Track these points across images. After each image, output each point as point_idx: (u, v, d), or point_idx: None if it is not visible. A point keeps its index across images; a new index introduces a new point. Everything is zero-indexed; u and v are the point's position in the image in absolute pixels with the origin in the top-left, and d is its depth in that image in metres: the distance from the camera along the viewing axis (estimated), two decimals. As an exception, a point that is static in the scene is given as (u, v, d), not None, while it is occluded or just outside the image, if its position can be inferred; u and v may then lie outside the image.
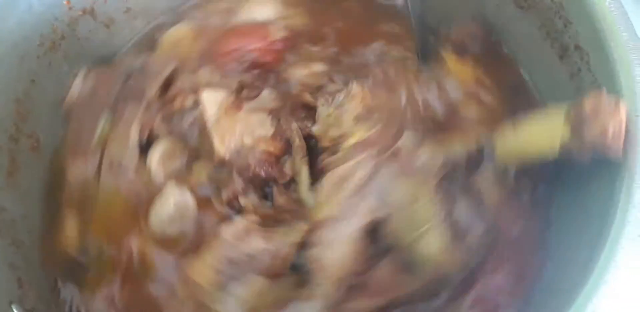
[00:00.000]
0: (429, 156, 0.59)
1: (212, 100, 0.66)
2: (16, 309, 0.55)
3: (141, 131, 0.65)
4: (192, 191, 0.62)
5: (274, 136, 0.66)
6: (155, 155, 0.64)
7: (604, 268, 0.50)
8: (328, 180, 0.60)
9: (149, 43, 0.75)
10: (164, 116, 0.66)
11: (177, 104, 0.67)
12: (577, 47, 0.61)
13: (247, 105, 0.67)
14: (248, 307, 0.57)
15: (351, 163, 0.59)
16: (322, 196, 0.59)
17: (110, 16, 0.74)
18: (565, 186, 0.65)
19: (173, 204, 0.61)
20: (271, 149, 0.65)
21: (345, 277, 0.56)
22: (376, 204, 0.57)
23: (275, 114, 0.68)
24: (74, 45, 0.71)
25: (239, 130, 0.65)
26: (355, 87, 0.64)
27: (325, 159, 0.62)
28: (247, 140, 0.64)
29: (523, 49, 0.70)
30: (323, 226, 0.57)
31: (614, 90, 0.55)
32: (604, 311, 0.49)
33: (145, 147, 0.65)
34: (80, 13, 0.70)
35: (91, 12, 0.71)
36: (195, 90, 0.66)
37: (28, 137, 0.66)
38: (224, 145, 0.64)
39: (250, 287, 0.58)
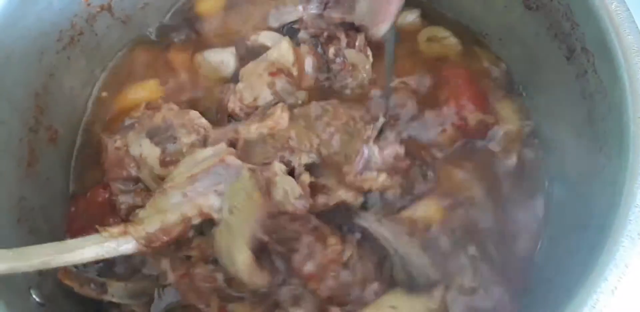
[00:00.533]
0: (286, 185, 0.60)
1: (281, 49, 0.72)
2: (35, 295, 0.57)
3: None
4: None
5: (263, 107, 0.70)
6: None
7: (604, 265, 0.51)
8: (185, 160, 0.63)
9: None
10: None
11: None
12: (583, 49, 0.62)
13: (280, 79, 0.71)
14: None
15: (209, 152, 0.62)
16: (176, 171, 0.62)
17: (127, 13, 0.75)
18: (567, 185, 0.66)
19: (227, 61, 0.75)
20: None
21: (161, 239, 0.58)
22: (214, 203, 0.59)
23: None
24: (92, 41, 0.73)
25: (256, 87, 0.70)
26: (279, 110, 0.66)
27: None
28: (247, 98, 0.70)
29: (531, 49, 0.71)
30: (161, 193, 0.60)
31: (619, 91, 0.56)
32: (604, 307, 0.50)
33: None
34: (98, 10, 0.72)
35: (109, 9, 0.73)
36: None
37: (46, 129, 0.68)
38: (243, 77, 0.72)
39: None
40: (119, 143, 0.68)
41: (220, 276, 0.60)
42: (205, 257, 0.61)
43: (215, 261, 0.61)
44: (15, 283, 0.56)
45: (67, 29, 0.68)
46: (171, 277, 0.61)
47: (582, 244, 0.57)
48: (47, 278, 0.60)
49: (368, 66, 0.74)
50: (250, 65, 0.73)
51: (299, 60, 0.73)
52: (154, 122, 0.68)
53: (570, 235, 0.62)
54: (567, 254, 0.60)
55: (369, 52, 0.75)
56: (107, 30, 0.74)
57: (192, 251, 0.61)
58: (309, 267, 0.59)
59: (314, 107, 0.67)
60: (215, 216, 0.59)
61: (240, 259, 0.57)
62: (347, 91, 0.74)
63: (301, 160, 0.64)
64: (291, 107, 0.68)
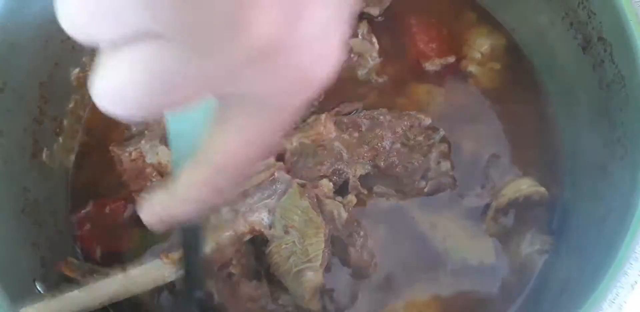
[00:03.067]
0: (334, 208, 0.61)
1: None
2: (39, 287, 0.56)
3: None
4: None
5: None
6: None
7: (624, 259, 0.50)
8: None
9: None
10: None
11: None
12: (600, 39, 0.61)
13: None
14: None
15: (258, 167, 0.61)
16: None
17: (133, 2, 0.74)
18: (585, 178, 0.65)
19: None
20: None
21: (211, 261, 0.58)
22: (264, 219, 0.59)
23: None
24: (97, 30, 0.71)
25: None
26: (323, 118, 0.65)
27: None
28: None
29: (546, 40, 0.70)
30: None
31: (638, 81, 0.55)
32: (624, 302, 0.49)
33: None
34: (104, -2, 0.70)
35: (114, -2, 0.72)
36: None
37: (52, 120, 0.66)
38: None
39: None
40: (134, 155, 0.66)
41: (265, 294, 0.61)
42: (247, 274, 0.61)
43: (257, 275, 0.61)
44: (19, 275, 0.55)
45: (73, 17, 0.67)
46: (217, 298, 0.60)
47: (600, 238, 0.56)
48: (52, 271, 0.59)
49: (375, 53, 0.73)
50: None
51: None
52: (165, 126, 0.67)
53: (589, 228, 0.61)
54: (586, 248, 0.59)
55: (374, 39, 0.74)
56: (113, 20, 0.73)
57: (234, 269, 0.60)
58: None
59: (364, 118, 0.66)
60: (266, 232, 0.59)
61: (312, 285, 0.58)
62: (358, 77, 0.73)
63: (356, 172, 0.64)
64: (338, 116, 0.66)
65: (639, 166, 0.54)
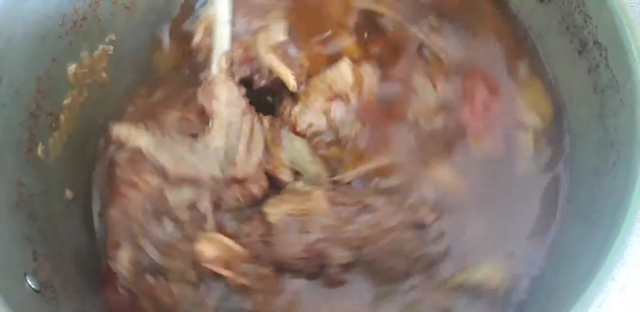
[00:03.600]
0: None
1: (339, 70, 0.65)
2: (30, 281, 0.56)
3: None
4: None
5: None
6: None
7: (612, 264, 0.50)
8: None
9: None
10: None
11: None
12: (595, 43, 0.61)
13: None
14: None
15: None
16: None
17: (131, -2, 0.74)
18: (577, 181, 0.65)
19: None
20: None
21: None
22: None
23: None
24: (95, 26, 0.71)
25: (311, 112, 0.65)
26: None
27: None
28: (300, 125, 0.64)
29: (543, 42, 0.70)
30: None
31: (632, 86, 0.55)
32: (611, 307, 0.49)
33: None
34: (101, -6, 0.71)
35: (111, -6, 0.72)
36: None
37: (48, 115, 0.67)
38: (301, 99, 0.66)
39: None
40: None
41: None
42: None
43: None
44: (10, 269, 0.55)
45: (71, 13, 0.67)
46: None
47: (590, 242, 0.56)
48: (44, 265, 0.59)
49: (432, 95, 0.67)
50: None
51: (359, 82, 0.65)
52: None
53: (579, 232, 0.61)
54: (575, 252, 0.59)
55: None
56: (111, 17, 0.73)
57: None
58: None
59: (359, 203, 0.60)
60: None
61: None
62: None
63: (337, 257, 0.59)
64: (334, 191, 0.61)
65: (631, 171, 0.54)
